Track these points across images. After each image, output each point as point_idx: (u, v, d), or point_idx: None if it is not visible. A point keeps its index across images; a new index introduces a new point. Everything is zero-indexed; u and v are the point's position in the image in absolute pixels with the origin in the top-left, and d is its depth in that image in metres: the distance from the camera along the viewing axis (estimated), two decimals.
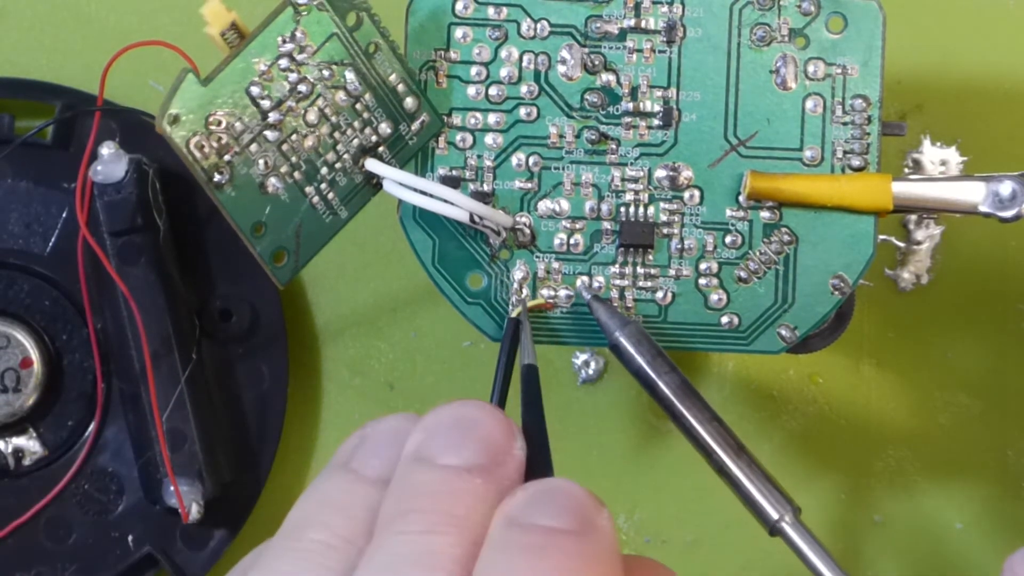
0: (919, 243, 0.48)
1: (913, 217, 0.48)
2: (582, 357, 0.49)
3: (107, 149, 0.44)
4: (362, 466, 0.30)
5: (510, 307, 0.40)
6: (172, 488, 0.45)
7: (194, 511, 0.45)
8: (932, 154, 0.48)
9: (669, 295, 0.40)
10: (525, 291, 0.40)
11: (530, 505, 0.28)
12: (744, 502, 0.38)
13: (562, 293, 0.40)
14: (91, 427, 0.47)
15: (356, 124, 0.38)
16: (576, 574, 0.26)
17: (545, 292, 0.40)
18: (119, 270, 0.45)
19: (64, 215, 0.47)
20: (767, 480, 0.38)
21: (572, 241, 0.40)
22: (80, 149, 0.46)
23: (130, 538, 0.47)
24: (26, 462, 0.47)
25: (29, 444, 0.47)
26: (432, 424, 0.30)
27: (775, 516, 0.37)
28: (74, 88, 0.48)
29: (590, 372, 0.49)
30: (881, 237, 0.41)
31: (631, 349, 0.39)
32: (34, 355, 0.46)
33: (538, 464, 0.31)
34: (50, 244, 0.47)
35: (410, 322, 0.49)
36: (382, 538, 0.28)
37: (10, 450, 0.47)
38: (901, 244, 0.48)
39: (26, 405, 0.46)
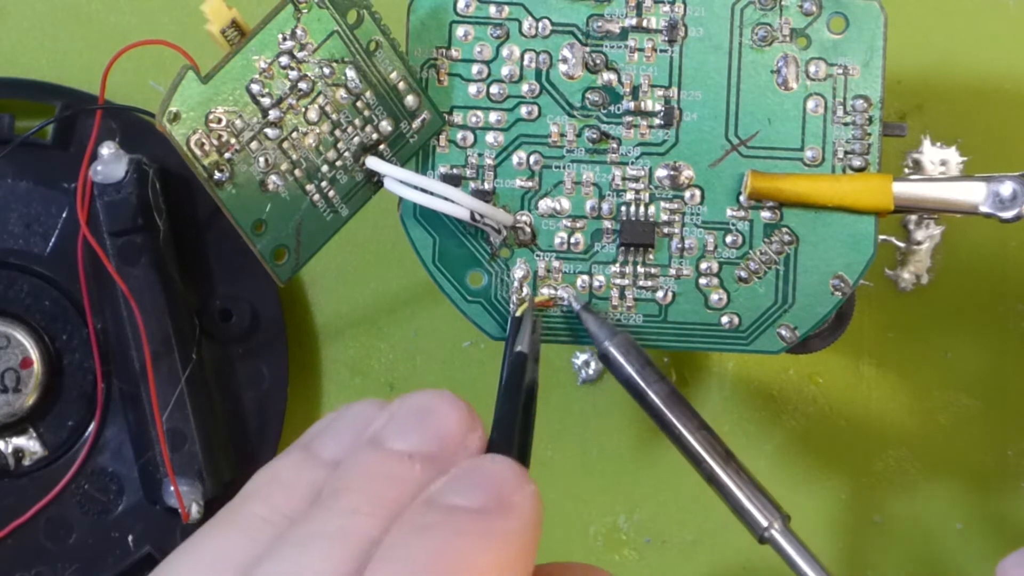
0: (919, 243, 0.48)
1: (913, 217, 0.48)
2: (582, 357, 0.49)
3: (107, 149, 0.44)
4: (320, 447, 0.30)
5: (512, 306, 0.40)
6: (172, 488, 0.45)
7: (194, 511, 0.45)
8: (932, 154, 0.48)
9: (669, 294, 0.40)
10: (526, 289, 0.40)
11: (447, 484, 0.28)
12: (733, 510, 0.38)
13: (562, 292, 0.40)
14: (91, 427, 0.47)
15: (357, 122, 0.38)
16: (472, 554, 0.26)
17: (546, 291, 0.40)
18: (119, 270, 0.45)
19: (64, 215, 0.47)
20: (756, 488, 0.37)
21: (573, 240, 0.40)
22: (80, 149, 0.46)
23: (130, 538, 0.47)
24: (26, 462, 0.47)
25: (29, 444, 0.47)
26: (395, 410, 0.30)
27: (764, 524, 0.37)
28: (74, 88, 0.48)
29: (590, 372, 0.49)
30: (881, 237, 0.41)
31: (620, 358, 0.39)
32: (34, 355, 0.46)
33: (499, 451, 0.30)
34: (50, 244, 0.47)
35: (410, 322, 0.49)
36: (311, 512, 0.28)
37: (10, 450, 0.47)
38: (901, 244, 0.48)
39: (26, 405, 0.46)
